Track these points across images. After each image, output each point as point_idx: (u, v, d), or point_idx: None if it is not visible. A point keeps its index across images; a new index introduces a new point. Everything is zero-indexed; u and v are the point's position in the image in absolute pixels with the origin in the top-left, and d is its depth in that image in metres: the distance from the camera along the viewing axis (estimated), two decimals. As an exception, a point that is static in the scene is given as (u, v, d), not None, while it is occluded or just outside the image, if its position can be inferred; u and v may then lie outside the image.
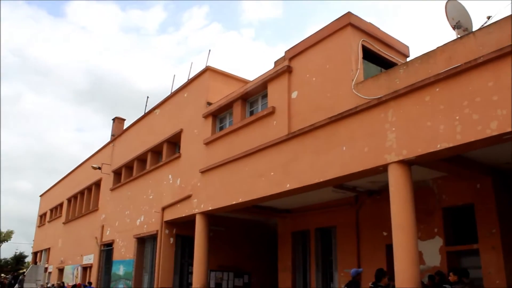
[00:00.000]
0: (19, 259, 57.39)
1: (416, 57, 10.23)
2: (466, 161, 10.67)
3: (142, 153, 21.31)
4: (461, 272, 9.63)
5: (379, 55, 12.37)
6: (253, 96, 15.25)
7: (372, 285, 9.24)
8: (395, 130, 9.56)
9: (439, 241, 12.30)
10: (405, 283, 8.85)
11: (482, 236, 11.30)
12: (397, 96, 9.60)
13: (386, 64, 12.32)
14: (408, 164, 9.46)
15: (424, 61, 9.89)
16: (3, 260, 61.32)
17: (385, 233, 13.13)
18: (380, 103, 9.95)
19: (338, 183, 12.03)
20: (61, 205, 34.67)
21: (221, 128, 16.43)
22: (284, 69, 13.46)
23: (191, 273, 17.14)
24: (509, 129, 7.65)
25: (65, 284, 26.39)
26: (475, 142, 8.23)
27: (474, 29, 10.27)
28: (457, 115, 8.42)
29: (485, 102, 8.02)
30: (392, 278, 10.05)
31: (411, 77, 9.85)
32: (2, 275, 50.20)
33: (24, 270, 45.80)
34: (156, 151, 20.68)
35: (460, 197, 12.07)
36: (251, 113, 15.21)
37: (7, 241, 70.57)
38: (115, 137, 26.17)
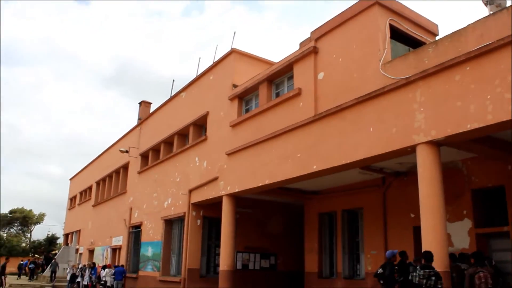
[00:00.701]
0: (51, 240, 59.00)
1: (445, 36, 10.02)
2: (497, 142, 10.44)
3: (169, 136, 21.50)
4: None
5: (407, 34, 12.15)
6: (279, 78, 15.19)
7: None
8: (423, 110, 9.41)
9: (468, 223, 12.14)
10: (434, 265, 8.77)
11: (513, 218, 11.11)
12: (426, 75, 9.42)
13: (414, 43, 12.10)
14: (437, 145, 9.32)
15: (454, 39, 9.68)
16: (36, 242, 63.14)
17: (412, 215, 13.02)
18: (408, 83, 9.79)
19: (365, 164, 11.96)
20: (90, 188, 35.37)
21: (247, 110, 16.44)
22: (310, 50, 13.35)
23: (218, 254, 17.39)
24: (544, 109, 7.46)
25: (96, 265, 27.02)
26: (507, 122, 8.05)
27: (507, 5, 9.97)
28: (489, 94, 8.24)
29: (518, 81, 7.82)
30: (419, 259, 9.98)
31: (440, 56, 9.66)
32: (36, 255, 51.76)
33: (56, 251, 47.04)
34: (182, 134, 20.83)
35: (490, 179, 11.86)
36: (277, 94, 15.17)
37: (39, 223, 72.71)
38: (141, 120, 26.45)
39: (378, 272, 10.74)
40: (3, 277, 23.47)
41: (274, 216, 19.82)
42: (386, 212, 14.40)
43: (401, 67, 10.59)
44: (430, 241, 9.01)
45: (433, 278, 7.44)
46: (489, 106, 8.20)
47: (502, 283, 11.12)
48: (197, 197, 17.89)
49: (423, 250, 8.72)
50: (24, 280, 36.80)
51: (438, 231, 9.03)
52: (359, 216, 15.93)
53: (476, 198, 12.24)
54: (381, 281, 10.54)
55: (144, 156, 24.59)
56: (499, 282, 10.98)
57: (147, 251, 21.74)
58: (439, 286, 7.42)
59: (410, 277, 7.58)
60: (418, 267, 7.67)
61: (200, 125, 19.51)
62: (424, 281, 7.39)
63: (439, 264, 8.74)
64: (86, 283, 25.36)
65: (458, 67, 8.83)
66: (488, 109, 8.21)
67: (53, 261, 32.28)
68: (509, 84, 7.93)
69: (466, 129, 8.59)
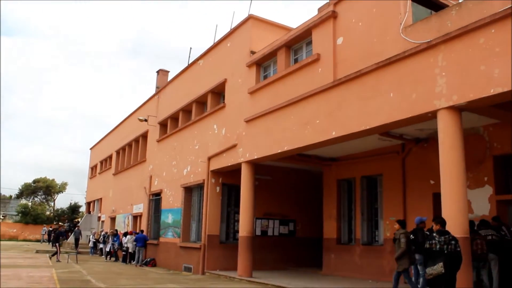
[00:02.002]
0: (74, 209, 60.32)
1: (470, -3, 9.71)
2: (520, 107, 10.26)
3: (187, 104, 21.52)
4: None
5: (429, -4, 11.82)
6: (297, 44, 14.99)
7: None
8: (445, 75, 9.22)
9: (488, 189, 12.04)
10: (453, 231, 8.70)
11: (535, 185, 10.98)
12: (448, 39, 9.19)
13: (436, 6, 11.75)
14: (458, 110, 9.16)
15: (479, 1, 9.38)
16: (60, 210, 64.62)
17: (432, 182, 12.95)
18: (430, 47, 9.58)
19: (384, 130, 11.85)
20: (110, 157, 35.82)
21: (265, 77, 16.32)
22: (328, 14, 13.10)
23: (237, 221, 17.58)
24: None
25: (118, 232, 27.61)
26: (532, 86, 7.87)
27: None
28: (514, 57, 8.01)
29: (545, 43, 7.59)
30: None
31: (464, 18, 9.39)
32: (60, 223, 53.05)
33: (79, 219, 48.11)
34: (200, 102, 20.83)
35: (513, 145, 11.68)
36: (296, 60, 14.99)
37: (62, 192, 74.25)
38: (160, 89, 26.48)
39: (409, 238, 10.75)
40: (57, 244, 24.08)
41: (293, 183, 19.91)
42: (405, 179, 14.34)
43: (423, 31, 10.34)
44: (450, 207, 8.97)
45: (453, 242, 7.44)
46: (515, 70, 8.00)
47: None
48: (216, 164, 18.00)
49: (435, 216, 8.65)
50: (48, 246, 37.89)
51: (458, 197, 8.96)
52: (378, 182, 15.90)
53: (498, 165, 12.10)
54: (413, 247, 10.55)
55: (163, 125, 24.73)
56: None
57: (168, 218, 22.08)
58: (458, 249, 7.45)
59: (427, 245, 7.57)
60: (435, 234, 7.67)
61: (218, 92, 19.47)
62: (445, 246, 7.37)
63: (460, 230, 8.71)
64: (108, 250, 26.02)
65: (483, 30, 8.59)
66: (513, 73, 8.01)
67: (76, 229, 33.02)
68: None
69: (489, 94, 8.41)
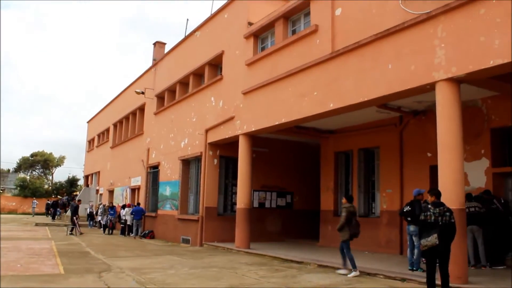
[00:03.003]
0: (72, 182, 60.62)
1: (471, -33, 9.54)
2: (520, 79, 10.21)
3: (184, 77, 21.38)
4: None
5: (430, -34, 11.61)
6: (295, 15, 14.79)
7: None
8: (444, 46, 9.14)
9: (485, 162, 12.09)
10: (450, 203, 8.75)
11: (531, 157, 11.02)
12: (448, 10, 9.08)
13: (437, -23, 11.57)
14: (457, 82, 9.11)
15: (480, -29, 9.22)
16: (58, 183, 64.89)
17: (429, 154, 12.98)
18: (429, 18, 9.47)
19: (382, 102, 11.82)
20: (107, 130, 35.76)
21: (262, 49, 16.16)
22: (327, -15, 12.89)
23: (235, 193, 17.65)
24: None
25: (116, 205, 27.72)
26: (532, 57, 7.80)
27: None
28: (515, 28, 7.93)
29: (547, 13, 7.49)
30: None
31: (465, -12, 9.25)
32: (58, 196, 53.39)
33: (77, 192, 48.34)
34: (198, 74, 20.69)
35: (511, 118, 11.66)
36: (293, 32, 14.81)
37: (60, 166, 74.45)
38: (156, 61, 26.25)
39: (405, 210, 10.82)
40: (74, 218, 24.11)
41: (291, 155, 19.95)
42: (403, 151, 14.38)
43: (422, 2, 10.19)
44: (447, 179, 9.00)
45: (447, 213, 7.53)
46: (515, 40, 7.92)
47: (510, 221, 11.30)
48: (214, 136, 17.99)
49: (430, 188, 8.68)
50: (47, 219, 38.19)
51: (455, 170, 8.98)
52: (375, 155, 15.95)
53: (495, 138, 12.12)
54: (409, 219, 10.65)
55: (160, 97, 24.61)
56: (509, 220, 11.19)
57: (165, 191, 22.17)
58: (453, 221, 7.55)
59: (422, 217, 7.70)
60: (430, 206, 7.79)
61: (216, 64, 19.31)
62: (440, 218, 7.47)
63: (456, 202, 8.78)
64: (105, 223, 26.11)
65: (483, 0, 8.48)
66: (514, 43, 7.93)
67: (72, 202, 32.89)
68: (537, 16, 7.60)
69: (488, 66, 8.35)
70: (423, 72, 9.52)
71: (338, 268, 10.83)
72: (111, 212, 25.74)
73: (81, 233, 23.05)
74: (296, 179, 20.00)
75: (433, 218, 7.50)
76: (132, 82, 30.24)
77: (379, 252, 14.43)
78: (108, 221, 25.16)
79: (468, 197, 11.16)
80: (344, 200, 11.03)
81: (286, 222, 19.37)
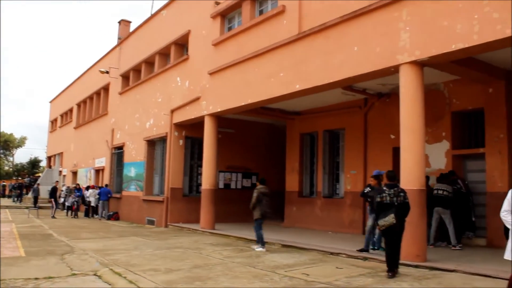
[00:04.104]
0: (34, 163, 59.25)
1: (436, -49, 9.64)
2: (480, 64, 10.46)
3: (150, 56, 21.05)
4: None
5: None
6: (263, -5, 14.71)
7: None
8: (409, 29, 9.25)
9: (446, 144, 12.39)
10: (411, 184, 9.00)
11: (490, 140, 11.37)
12: (413, -7, 9.18)
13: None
14: (420, 65, 9.26)
15: (444, -45, 9.32)
16: (19, 165, 63.30)
17: (392, 136, 13.21)
18: (394, 1, 9.57)
19: (348, 84, 11.93)
20: (71, 110, 34.98)
21: (229, 29, 16.01)
22: (295, -35, 12.81)
23: (201, 174, 17.58)
24: (529, 29, 7.36)
25: (80, 186, 27.19)
26: (493, 42, 7.96)
27: None
28: (476, 14, 8.07)
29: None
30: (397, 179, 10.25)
31: (429, -27, 9.34)
32: (19, 178, 52.12)
33: (40, 174, 47.27)
34: (164, 54, 20.40)
35: (471, 101, 11.98)
36: (261, 12, 14.70)
37: (21, 147, 72.56)
38: (121, 40, 25.70)
39: (365, 191, 11.00)
40: (52, 199, 23.48)
41: (257, 136, 20.00)
42: (367, 133, 14.60)
43: (388, -15, 10.26)
44: (408, 161, 9.18)
45: (402, 194, 7.96)
46: (476, 26, 8.07)
47: (472, 201, 11.67)
48: (179, 117, 17.83)
49: (387, 171, 8.92)
50: (7, 201, 37.26)
51: (416, 151, 9.16)
52: (340, 136, 16.15)
53: (456, 121, 12.43)
54: (369, 199, 10.85)
55: (125, 77, 24.17)
56: (470, 200, 11.56)
57: (130, 172, 21.93)
58: (407, 200, 7.99)
59: (378, 199, 8.05)
60: (385, 188, 8.15)
61: (182, 44, 19.06)
62: (395, 198, 7.88)
63: (416, 183, 8.99)
64: (70, 204, 25.43)
65: (447, -15, 8.59)
66: (475, 29, 8.08)
67: (35, 186, 32.09)
68: (498, 3, 7.75)
69: (450, 50, 8.50)
70: (387, 54, 9.63)
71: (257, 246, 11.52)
72: (77, 193, 24.93)
73: (53, 217, 22.60)
74: (262, 160, 20.08)
75: (388, 199, 7.88)
76: (96, 61, 29.61)
77: (342, 232, 14.68)
78: (74, 202, 24.37)
79: (439, 178, 11.55)
80: (257, 184, 11.81)
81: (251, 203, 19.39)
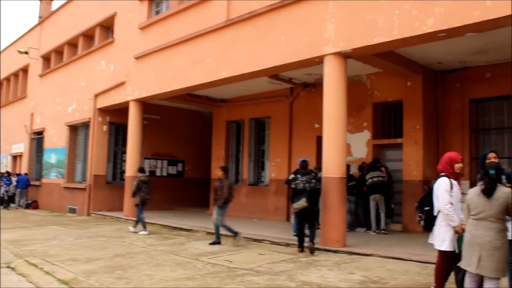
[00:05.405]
0: None
1: None
2: (400, 58, 10.93)
3: (73, 38, 20.17)
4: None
5: None
6: (191, -21, 14.47)
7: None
8: (334, 21, 9.46)
9: (367, 134, 12.86)
10: (332, 172, 9.27)
11: (407, 131, 11.91)
12: (339, -14, 9.38)
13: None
14: (344, 56, 9.51)
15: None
16: None
17: (317, 125, 13.51)
18: (321, -7, 9.73)
19: (274, 73, 12.06)
20: (-15, 92, 32.88)
21: (157, 13, 15.62)
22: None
23: (125, 161, 17.16)
24: (444, 27, 7.75)
25: (10, 173, 25.45)
26: (411, 38, 8.35)
27: None
28: (397, 9, 8.40)
29: (426, -2, 8.00)
30: (320, 167, 10.55)
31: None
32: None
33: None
34: (88, 36, 19.60)
35: (391, 94, 12.49)
36: (189, -3, 14.49)
37: None
38: (43, 19, 24.40)
39: (290, 178, 11.18)
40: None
41: (183, 123, 19.79)
42: (292, 122, 14.85)
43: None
44: (330, 149, 9.43)
45: (313, 180, 8.96)
46: (396, 22, 8.40)
47: (392, 189, 12.23)
48: (104, 102, 17.26)
49: (301, 160, 9.51)
50: None
51: (338, 140, 9.43)
52: (266, 125, 16.31)
53: (376, 112, 12.92)
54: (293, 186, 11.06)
55: (46, 58, 23.00)
56: (391, 187, 12.10)
57: (51, 158, 21.00)
58: (318, 187, 9.11)
59: (293, 185, 9.03)
60: (298, 175, 9.05)
61: (108, 26, 18.42)
62: (307, 184, 8.85)
63: (337, 171, 9.28)
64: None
65: (370, -21, 8.85)
66: (395, 24, 8.41)
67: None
68: (417, 1, 8.10)
69: (372, 43, 8.80)
70: (313, 45, 9.81)
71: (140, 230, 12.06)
72: (6, 181, 22.89)
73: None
74: (188, 147, 19.92)
75: (301, 185, 8.88)
76: (14, 41, 27.91)
77: (267, 219, 14.90)
78: (5, 192, 22.25)
79: (372, 166, 11.91)
80: (139, 173, 12.53)
81: (177, 191, 19.28)
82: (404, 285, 6.31)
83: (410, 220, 11.35)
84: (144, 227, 12.02)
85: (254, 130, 16.61)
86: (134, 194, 12.19)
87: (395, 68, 11.26)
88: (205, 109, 18.82)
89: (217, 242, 10.10)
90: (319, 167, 10.96)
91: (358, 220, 12.37)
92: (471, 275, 4.75)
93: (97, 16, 18.39)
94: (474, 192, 4.73)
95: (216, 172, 11.63)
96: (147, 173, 12.30)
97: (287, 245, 9.82)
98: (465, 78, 11.70)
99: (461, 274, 5.01)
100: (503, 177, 5.11)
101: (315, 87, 13.89)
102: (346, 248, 8.98)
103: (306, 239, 8.97)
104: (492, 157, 5.32)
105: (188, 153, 19.89)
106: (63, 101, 20.31)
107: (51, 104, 21.45)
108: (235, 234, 9.96)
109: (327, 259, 8.22)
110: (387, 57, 10.40)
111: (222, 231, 10.22)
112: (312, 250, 8.68)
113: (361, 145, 12.91)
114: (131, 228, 12.24)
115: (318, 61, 9.92)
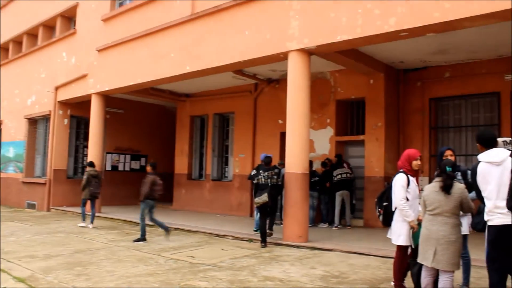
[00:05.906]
0: None
1: None
2: (363, 56, 11.08)
3: (33, 27, 19.58)
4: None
5: None
6: (155, -28, 14.26)
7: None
8: (298, 18, 9.51)
9: (330, 131, 13.01)
10: (295, 168, 9.35)
11: (369, 128, 12.11)
12: (303, -17, 9.43)
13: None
14: (308, 53, 9.58)
15: None
16: None
17: (280, 121, 13.57)
18: (286, -11, 9.76)
19: (238, 68, 12.03)
20: None
21: (120, 5, 15.34)
22: None
23: (86, 155, 16.83)
24: (406, 27, 7.91)
25: None
26: (373, 36, 8.49)
27: None
28: (360, 8, 8.52)
29: (388, -2, 8.13)
30: (283, 163, 10.62)
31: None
32: None
33: None
34: (49, 26, 19.09)
35: (354, 91, 12.67)
36: (154, -10, 14.29)
37: None
38: (0, 7, 23.62)
39: (252, 173, 11.19)
40: None
41: (146, 117, 19.53)
42: (256, 117, 14.89)
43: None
44: (293, 145, 9.50)
45: (275, 176, 9.29)
46: (359, 20, 8.52)
47: (354, 185, 12.42)
48: (65, 95, 16.86)
49: (264, 156, 9.79)
50: None
51: (301, 136, 9.50)
52: (230, 120, 16.30)
53: (339, 108, 13.09)
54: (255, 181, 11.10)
55: (4, 48, 22.24)
56: (354, 183, 12.30)
57: (8, 152, 20.40)
58: (280, 182, 9.50)
59: (256, 180, 9.38)
60: (261, 171, 9.36)
61: (69, 17, 17.98)
62: (269, 180, 9.19)
63: (300, 167, 9.36)
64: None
65: (336, -23, 8.94)
66: (358, 23, 8.53)
67: None
68: (380, 0, 8.23)
69: (336, 40, 8.90)
70: (277, 41, 9.84)
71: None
72: None
73: None
74: (152, 142, 19.67)
75: (263, 180, 9.23)
76: (-30, 29, 26.95)
77: (230, 214, 14.91)
78: None
79: (338, 162, 12.07)
80: (87, 168, 12.84)
81: (139, 186, 18.95)
82: (365, 279, 6.43)
83: (371, 216, 11.55)
84: (83, 220, 12.37)
85: (218, 125, 16.58)
86: (83, 188, 12.33)
87: (358, 65, 11.41)
88: (169, 104, 18.64)
89: (141, 239, 9.85)
90: (282, 163, 11.02)
91: (320, 215, 12.53)
92: (427, 269, 4.87)
93: (58, 5, 17.91)
94: (431, 189, 4.84)
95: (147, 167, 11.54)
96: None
97: (250, 240, 9.85)
98: (425, 77, 11.98)
99: (416, 268, 5.14)
100: (458, 173, 5.27)
101: (279, 83, 13.97)
102: (308, 244, 9.08)
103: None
104: (448, 155, 5.51)
105: (151, 148, 19.64)
106: (22, 93, 19.75)
107: (9, 96, 20.81)
108: (166, 229, 9.93)
109: (289, 254, 8.29)
110: (351, 54, 10.53)
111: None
112: (269, 235, 9.42)
113: (324, 142, 13.06)
114: (86, 224, 12.24)
115: (282, 57, 9.97)
